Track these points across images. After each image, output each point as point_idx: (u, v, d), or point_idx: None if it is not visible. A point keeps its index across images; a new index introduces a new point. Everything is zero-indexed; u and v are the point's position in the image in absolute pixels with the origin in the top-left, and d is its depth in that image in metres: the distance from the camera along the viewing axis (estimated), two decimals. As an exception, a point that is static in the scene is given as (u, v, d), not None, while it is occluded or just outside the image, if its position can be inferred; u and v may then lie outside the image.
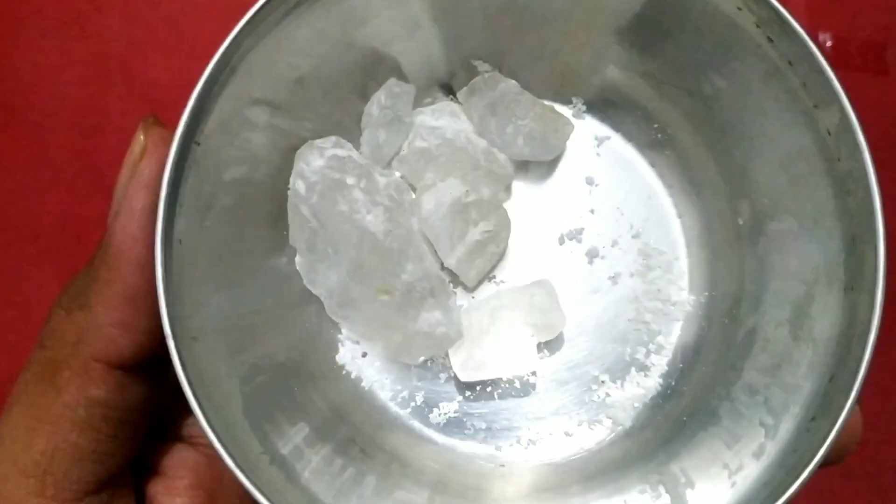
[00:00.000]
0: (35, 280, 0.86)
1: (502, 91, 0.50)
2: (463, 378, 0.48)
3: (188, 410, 0.44)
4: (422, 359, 0.49)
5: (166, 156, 0.39)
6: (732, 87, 0.46)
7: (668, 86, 0.50)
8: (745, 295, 0.48)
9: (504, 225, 0.50)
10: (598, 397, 0.50)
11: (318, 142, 0.47)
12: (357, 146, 0.50)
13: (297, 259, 0.48)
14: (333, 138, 0.47)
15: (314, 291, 0.48)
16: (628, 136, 0.53)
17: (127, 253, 0.39)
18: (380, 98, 0.50)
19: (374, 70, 0.50)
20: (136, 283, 0.38)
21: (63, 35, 0.91)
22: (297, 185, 0.46)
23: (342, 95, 0.49)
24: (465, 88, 0.52)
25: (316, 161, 0.46)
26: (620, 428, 0.50)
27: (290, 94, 0.46)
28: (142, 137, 0.40)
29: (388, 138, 0.50)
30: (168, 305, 0.38)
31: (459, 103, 0.52)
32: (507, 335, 0.48)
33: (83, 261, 0.83)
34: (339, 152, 0.47)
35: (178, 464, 0.44)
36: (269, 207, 0.47)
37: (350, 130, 0.50)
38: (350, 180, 0.46)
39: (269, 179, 0.46)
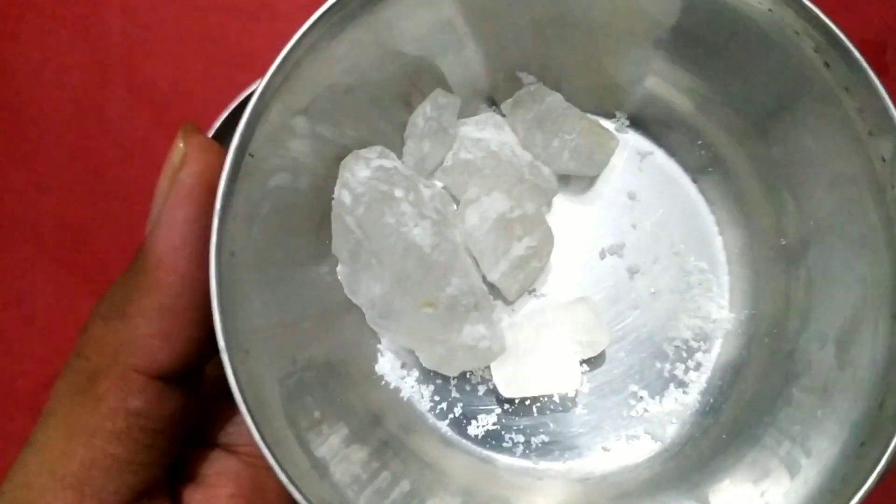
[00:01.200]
0: (35, 280, 0.86)
1: (549, 105, 0.50)
2: (506, 394, 0.48)
3: (224, 417, 0.44)
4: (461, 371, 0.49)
5: (207, 164, 0.39)
6: (782, 108, 0.46)
7: (713, 103, 0.50)
8: (788, 315, 0.48)
9: (547, 240, 0.50)
10: (637, 413, 0.50)
11: (363, 152, 0.47)
12: (399, 154, 0.50)
13: (339, 268, 0.48)
14: (378, 148, 0.47)
15: (355, 301, 0.48)
16: (671, 152, 0.53)
17: (168, 263, 0.38)
18: (425, 109, 0.50)
19: (418, 79, 0.49)
20: (177, 294, 0.38)
21: (63, 35, 0.91)
22: (342, 195, 0.46)
23: (385, 103, 0.49)
24: (509, 100, 0.52)
25: (361, 171, 0.46)
26: (658, 444, 0.50)
27: (335, 103, 0.46)
28: (181, 145, 0.40)
29: (432, 149, 0.50)
30: (222, 319, 0.38)
31: (503, 114, 0.52)
32: (552, 352, 0.49)
33: (83, 260, 0.83)
34: (385, 163, 0.47)
35: (218, 472, 0.43)
36: (310, 215, 0.47)
37: (392, 139, 0.50)
38: (398, 193, 0.46)
39: (310, 187, 0.46)
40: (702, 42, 0.48)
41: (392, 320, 0.47)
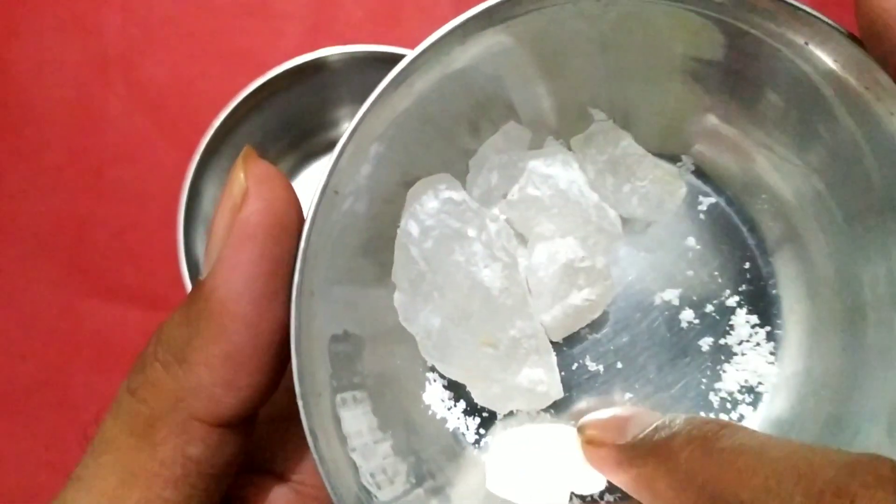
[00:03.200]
0: (31, 281, 0.86)
1: (624, 150, 0.50)
2: (492, 489, 0.48)
3: (274, 442, 0.44)
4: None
5: (271, 199, 0.37)
6: (842, 165, 0.46)
7: (774, 155, 0.50)
8: (839, 379, 0.48)
9: (606, 296, 0.50)
10: None
11: (431, 180, 0.46)
12: (462, 181, 0.49)
13: (396, 296, 0.47)
14: (445, 177, 0.47)
15: (409, 329, 0.47)
16: (732, 202, 0.53)
17: (232, 309, 0.37)
18: (497, 141, 0.49)
19: (488, 109, 0.49)
20: (241, 342, 0.37)
21: (62, 34, 0.91)
22: (409, 225, 0.46)
23: (453, 130, 0.48)
24: (580, 136, 0.51)
25: (430, 202, 0.46)
26: None
27: (403, 129, 0.45)
28: (242, 177, 0.38)
29: (499, 182, 0.49)
30: (300, 368, 0.38)
31: (569, 147, 0.51)
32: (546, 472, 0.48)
33: (82, 259, 0.83)
34: (454, 196, 0.46)
35: (268, 500, 0.43)
36: (364, 237, 0.46)
37: (455, 164, 0.49)
38: (471, 232, 0.45)
39: (370, 211, 0.45)
40: (748, 81, 0.48)
41: (448, 354, 0.47)
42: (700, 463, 0.36)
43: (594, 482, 0.48)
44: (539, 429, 0.49)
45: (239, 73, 0.82)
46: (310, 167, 0.89)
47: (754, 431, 0.38)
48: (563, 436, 0.48)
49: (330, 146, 0.89)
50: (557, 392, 0.48)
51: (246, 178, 0.38)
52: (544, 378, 0.47)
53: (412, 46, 0.77)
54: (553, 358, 0.48)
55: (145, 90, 0.88)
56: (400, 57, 0.78)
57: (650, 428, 0.40)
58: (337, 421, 0.42)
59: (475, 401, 0.49)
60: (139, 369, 0.39)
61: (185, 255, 0.75)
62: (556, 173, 0.49)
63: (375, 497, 0.42)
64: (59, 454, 0.83)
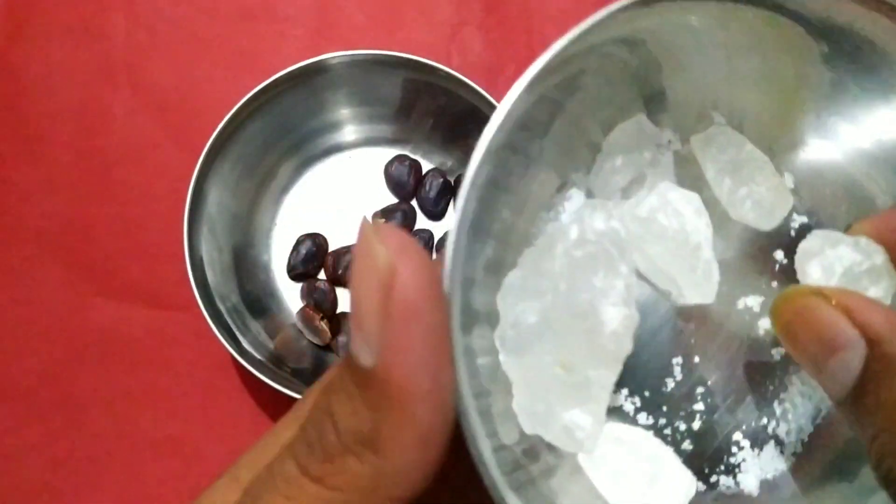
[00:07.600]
0: (38, 280, 0.86)
1: (749, 154, 0.50)
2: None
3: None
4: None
5: (417, 267, 0.34)
6: None
7: (876, 185, 0.50)
8: None
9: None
10: (735, 461, 0.51)
11: (611, 204, 0.46)
12: (583, 171, 0.49)
13: (513, 273, 0.46)
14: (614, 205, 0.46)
15: (499, 306, 0.46)
16: (821, 225, 0.52)
17: (415, 392, 0.35)
18: (624, 127, 0.49)
19: (626, 110, 0.49)
20: (429, 421, 0.36)
21: (67, 37, 0.91)
22: (570, 227, 0.44)
23: (588, 128, 0.48)
24: (701, 135, 0.50)
25: (598, 221, 0.44)
26: (748, 495, 0.50)
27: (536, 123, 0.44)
28: (384, 251, 0.34)
29: (622, 166, 0.49)
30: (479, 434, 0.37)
31: (681, 143, 0.51)
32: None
33: (88, 260, 0.83)
34: (621, 229, 0.45)
35: None
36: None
37: (580, 155, 0.49)
38: (623, 268, 0.44)
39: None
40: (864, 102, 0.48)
41: (520, 352, 0.45)
42: None
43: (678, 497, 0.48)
44: (634, 432, 0.49)
45: (243, 77, 0.83)
46: (311, 169, 0.90)
47: None
48: (649, 445, 0.49)
49: (332, 150, 0.92)
50: (590, 447, 0.46)
51: (388, 249, 0.34)
52: (587, 427, 0.45)
53: (414, 50, 0.80)
54: (604, 415, 0.47)
55: (151, 93, 0.89)
56: (401, 60, 0.80)
57: None
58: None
59: (512, 405, 0.47)
60: (319, 457, 0.37)
61: (189, 255, 0.76)
62: (688, 216, 0.48)
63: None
64: (64, 452, 0.84)
